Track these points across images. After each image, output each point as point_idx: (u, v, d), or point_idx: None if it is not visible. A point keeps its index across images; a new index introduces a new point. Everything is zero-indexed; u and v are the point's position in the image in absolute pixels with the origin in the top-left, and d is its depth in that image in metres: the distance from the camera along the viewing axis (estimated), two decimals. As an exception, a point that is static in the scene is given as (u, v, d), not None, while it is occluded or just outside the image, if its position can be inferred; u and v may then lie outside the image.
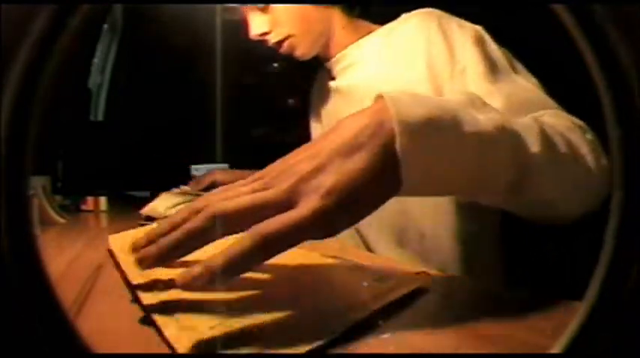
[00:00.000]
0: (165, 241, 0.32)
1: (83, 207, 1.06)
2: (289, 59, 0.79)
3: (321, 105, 0.87)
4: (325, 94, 0.84)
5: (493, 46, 0.68)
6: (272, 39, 0.76)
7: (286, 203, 0.31)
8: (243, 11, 0.77)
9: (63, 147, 1.16)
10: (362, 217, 0.33)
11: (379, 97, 0.36)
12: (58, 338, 0.20)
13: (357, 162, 0.32)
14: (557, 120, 0.50)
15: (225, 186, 0.35)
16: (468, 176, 0.37)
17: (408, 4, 0.77)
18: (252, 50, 0.87)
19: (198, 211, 0.32)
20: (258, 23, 0.75)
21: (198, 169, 1.06)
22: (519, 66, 0.68)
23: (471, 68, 0.66)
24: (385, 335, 0.30)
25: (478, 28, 0.70)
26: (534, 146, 0.40)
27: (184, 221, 0.32)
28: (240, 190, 0.33)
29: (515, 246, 0.83)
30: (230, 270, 0.29)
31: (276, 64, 1.39)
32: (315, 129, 0.92)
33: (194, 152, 1.27)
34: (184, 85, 1.41)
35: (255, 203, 0.31)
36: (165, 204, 0.80)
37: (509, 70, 0.66)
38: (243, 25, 0.77)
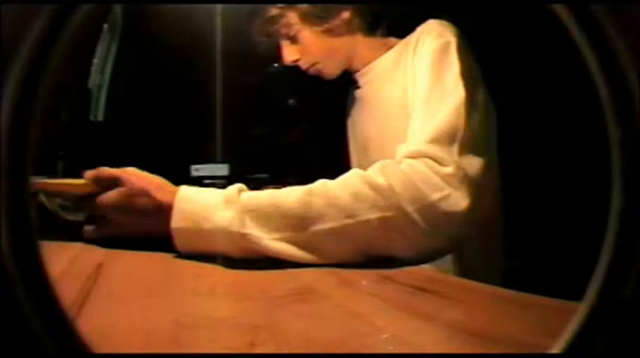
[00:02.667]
0: None
1: (83, 207, 1.05)
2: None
3: (350, 112, 0.93)
4: (352, 102, 0.91)
5: (453, 60, 0.69)
6: (302, 65, 0.85)
7: None
8: (277, 40, 0.85)
9: (63, 147, 1.16)
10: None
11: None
12: (58, 338, 0.20)
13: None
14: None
15: None
16: None
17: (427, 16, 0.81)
18: (252, 50, 0.90)
19: None
20: (289, 52, 0.84)
21: (198, 169, 1.06)
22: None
23: (420, 77, 0.71)
24: (385, 335, 0.30)
25: (451, 40, 0.71)
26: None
27: None
28: None
29: (516, 247, 0.83)
30: None
31: (276, 64, 1.39)
32: (350, 133, 0.95)
33: (194, 152, 1.27)
34: (184, 84, 1.41)
35: None
36: None
37: (451, 90, 0.67)
38: (277, 52, 0.86)
